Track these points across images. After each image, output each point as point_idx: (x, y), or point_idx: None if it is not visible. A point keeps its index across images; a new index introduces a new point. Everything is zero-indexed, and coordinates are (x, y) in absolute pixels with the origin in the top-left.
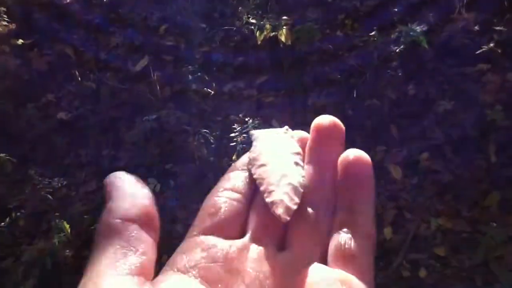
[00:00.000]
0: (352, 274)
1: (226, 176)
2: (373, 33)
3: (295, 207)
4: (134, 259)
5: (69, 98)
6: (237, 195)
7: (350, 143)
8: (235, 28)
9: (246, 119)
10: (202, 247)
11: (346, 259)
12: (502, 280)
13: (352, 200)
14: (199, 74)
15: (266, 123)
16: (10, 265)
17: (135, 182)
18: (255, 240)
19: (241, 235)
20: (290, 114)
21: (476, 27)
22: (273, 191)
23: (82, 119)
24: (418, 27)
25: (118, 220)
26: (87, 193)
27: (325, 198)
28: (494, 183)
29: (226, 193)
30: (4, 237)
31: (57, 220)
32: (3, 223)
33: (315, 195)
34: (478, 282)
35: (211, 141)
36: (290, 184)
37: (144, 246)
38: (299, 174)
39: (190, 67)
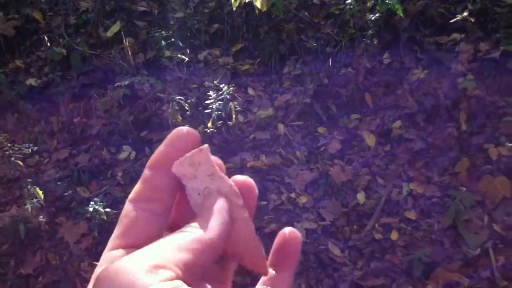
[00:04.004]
0: None
1: (146, 176)
2: (349, 0)
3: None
4: None
5: (39, 64)
6: (158, 205)
7: (325, 111)
8: None
9: (222, 86)
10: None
11: None
12: (469, 242)
13: (281, 272)
14: (173, 40)
15: (241, 91)
16: None
17: None
18: None
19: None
20: (266, 82)
21: None
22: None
23: (53, 86)
24: None
25: None
26: (59, 160)
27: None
28: (464, 150)
29: (147, 205)
30: None
31: (29, 187)
32: None
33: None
34: (446, 244)
35: (186, 108)
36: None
37: None
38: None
39: (164, 33)
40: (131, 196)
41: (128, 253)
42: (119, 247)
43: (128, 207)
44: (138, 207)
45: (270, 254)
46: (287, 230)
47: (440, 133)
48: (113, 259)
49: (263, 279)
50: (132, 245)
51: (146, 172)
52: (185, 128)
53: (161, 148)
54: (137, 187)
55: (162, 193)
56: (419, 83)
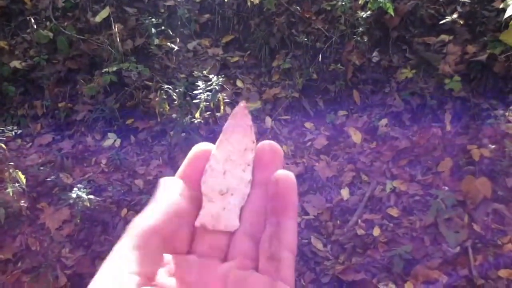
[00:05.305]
0: (277, 279)
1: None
2: None
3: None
4: None
5: (24, 46)
6: (183, 215)
7: (313, 107)
8: None
9: (211, 77)
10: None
11: (274, 267)
12: (449, 240)
13: (279, 218)
14: (163, 28)
15: (230, 83)
16: None
17: None
18: (202, 255)
19: (189, 250)
20: (255, 75)
21: None
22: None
23: (38, 69)
24: None
25: None
26: (42, 145)
27: (262, 215)
28: (448, 150)
29: (172, 213)
30: None
31: (11, 171)
32: None
33: (256, 216)
34: (427, 242)
35: (174, 97)
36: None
37: None
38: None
39: (154, 20)
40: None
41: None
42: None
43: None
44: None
45: (267, 204)
46: (278, 173)
47: (425, 133)
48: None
49: (266, 232)
50: None
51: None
52: (201, 145)
53: (183, 164)
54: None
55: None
56: (406, 82)
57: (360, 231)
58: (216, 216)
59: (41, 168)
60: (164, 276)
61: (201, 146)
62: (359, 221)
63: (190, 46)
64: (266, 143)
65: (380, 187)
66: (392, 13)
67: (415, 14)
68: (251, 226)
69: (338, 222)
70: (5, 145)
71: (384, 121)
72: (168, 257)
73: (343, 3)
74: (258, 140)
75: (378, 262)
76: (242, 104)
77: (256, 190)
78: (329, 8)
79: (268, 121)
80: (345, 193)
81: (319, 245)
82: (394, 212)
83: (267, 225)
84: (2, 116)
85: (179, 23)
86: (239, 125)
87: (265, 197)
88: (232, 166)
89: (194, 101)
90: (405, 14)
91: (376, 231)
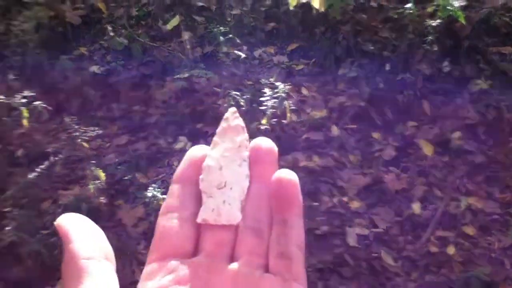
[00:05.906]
0: (290, 279)
1: (172, 190)
2: (409, 5)
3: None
4: None
5: (101, 52)
6: (186, 214)
7: (381, 117)
8: None
9: (277, 84)
10: (164, 271)
11: (285, 266)
12: None
13: (285, 215)
14: (230, 36)
15: (295, 91)
16: (48, 207)
17: (88, 223)
18: (208, 257)
19: (195, 251)
20: (321, 83)
21: None
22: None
23: (114, 74)
24: (456, 2)
25: (84, 260)
26: (119, 145)
27: (266, 213)
28: None
29: (175, 215)
30: (42, 180)
31: (92, 168)
32: (42, 166)
33: (258, 210)
34: (507, 265)
35: (241, 104)
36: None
37: (108, 277)
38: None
39: (221, 29)
40: (160, 211)
41: (159, 267)
42: (154, 260)
43: (158, 221)
44: (167, 219)
45: (272, 203)
46: (281, 172)
47: (501, 148)
48: (148, 274)
49: (274, 231)
50: (164, 255)
51: (171, 187)
52: (196, 147)
53: (180, 166)
54: (164, 201)
55: (186, 201)
56: (480, 93)
57: (433, 249)
58: (216, 210)
59: (119, 167)
60: (170, 286)
61: (195, 149)
62: (432, 237)
63: (256, 53)
64: (260, 139)
65: (454, 203)
66: (463, 21)
67: (488, 23)
68: (254, 221)
69: (409, 237)
70: (87, 144)
71: (457, 134)
72: (173, 264)
73: (411, 11)
74: (323, 148)
75: (453, 283)
76: (232, 109)
77: (254, 185)
78: (396, 16)
79: (335, 129)
80: (416, 207)
81: (390, 260)
82: (469, 230)
83: (273, 224)
84: (83, 117)
85: (245, 31)
86: (231, 126)
87: (264, 191)
88: (228, 161)
89: (261, 108)
90: (477, 23)
91: (451, 250)
